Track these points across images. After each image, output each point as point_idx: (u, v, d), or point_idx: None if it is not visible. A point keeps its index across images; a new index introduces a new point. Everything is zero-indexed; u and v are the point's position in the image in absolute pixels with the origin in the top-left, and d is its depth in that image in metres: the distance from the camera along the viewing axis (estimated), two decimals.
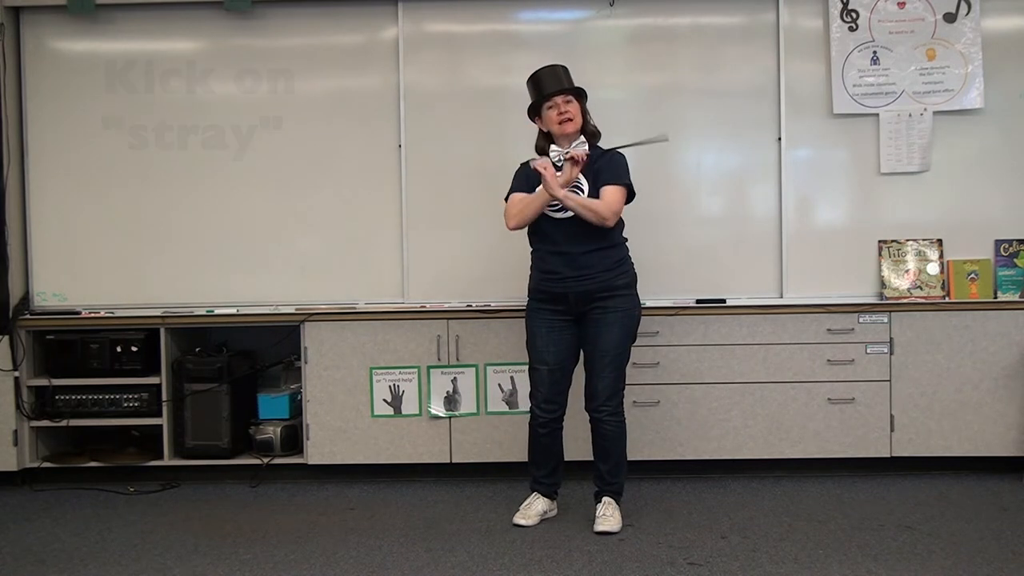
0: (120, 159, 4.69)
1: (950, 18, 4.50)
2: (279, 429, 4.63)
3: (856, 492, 4.25)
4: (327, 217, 4.67)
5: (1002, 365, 4.39)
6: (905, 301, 4.46)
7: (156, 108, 4.68)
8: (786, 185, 4.58)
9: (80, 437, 4.77)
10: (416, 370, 4.51)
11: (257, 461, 4.58)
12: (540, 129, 3.91)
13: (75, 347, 4.58)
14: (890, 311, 4.43)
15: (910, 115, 4.52)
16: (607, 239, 3.79)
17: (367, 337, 4.51)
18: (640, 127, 3.75)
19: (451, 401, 4.51)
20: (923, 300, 4.47)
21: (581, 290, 3.77)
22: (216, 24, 4.66)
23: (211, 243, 4.68)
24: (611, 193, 3.76)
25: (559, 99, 3.80)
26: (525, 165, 3.94)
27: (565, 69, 3.87)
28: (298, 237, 4.69)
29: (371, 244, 4.67)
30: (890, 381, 4.42)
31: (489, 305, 4.53)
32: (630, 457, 3.95)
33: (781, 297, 4.56)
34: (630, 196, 3.83)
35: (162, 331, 4.58)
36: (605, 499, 3.85)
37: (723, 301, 4.50)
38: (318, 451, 4.54)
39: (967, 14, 4.49)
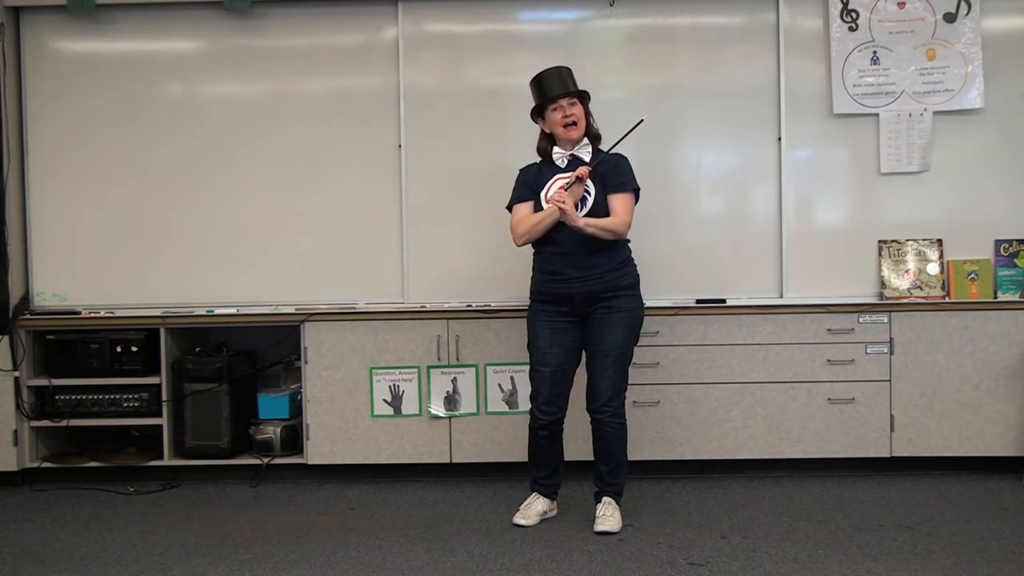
0: (120, 159, 4.69)
1: (950, 18, 4.50)
2: (279, 429, 4.63)
3: (856, 492, 4.25)
4: (327, 217, 4.68)
5: (1002, 365, 4.39)
6: (905, 301, 4.46)
7: (156, 108, 4.68)
8: (786, 185, 4.58)
9: (80, 437, 4.77)
10: (416, 370, 4.51)
11: (257, 461, 4.58)
12: (542, 130, 3.91)
13: (75, 347, 4.58)
14: (890, 311, 4.43)
15: (910, 115, 4.52)
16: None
17: (367, 337, 4.51)
18: (640, 127, 3.74)
19: (451, 401, 4.51)
20: (923, 300, 4.47)
21: (586, 291, 3.77)
22: (216, 24, 4.66)
23: (211, 243, 4.68)
24: (621, 203, 3.77)
25: (564, 102, 3.80)
26: (525, 171, 3.95)
27: (569, 71, 3.88)
28: (298, 237, 4.69)
29: (371, 244, 4.67)
30: (890, 381, 4.42)
31: (489, 305, 4.53)
32: (630, 457, 3.95)
33: (781, 297, 4.56)
34: (638, 197, 3.85)
35: (162, 331, 4.58)
36: (605, 499, 3.85)
37: (723, 301, 4.50)
38: (318, 451, 4.54)
39: (967, 14, 4.49)
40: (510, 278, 4.42)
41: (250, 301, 4.66)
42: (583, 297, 3.78)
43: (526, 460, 4.00)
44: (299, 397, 4.61)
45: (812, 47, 4.57)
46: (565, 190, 3.71)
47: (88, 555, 3.65)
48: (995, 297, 4.48)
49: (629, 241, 3.88)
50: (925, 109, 4.51)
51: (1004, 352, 4.39)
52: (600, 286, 3.77)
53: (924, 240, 4.53)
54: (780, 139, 4.57)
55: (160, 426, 4.58)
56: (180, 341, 4.70)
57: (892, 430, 4.43)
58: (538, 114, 3.89)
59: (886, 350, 4.42)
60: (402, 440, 4.52)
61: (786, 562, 3.43)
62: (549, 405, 3.85)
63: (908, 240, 4.54)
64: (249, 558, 3.57)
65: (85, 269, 4.70)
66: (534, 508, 3.91)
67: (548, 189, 3.83)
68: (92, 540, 3.82)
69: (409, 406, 4.52)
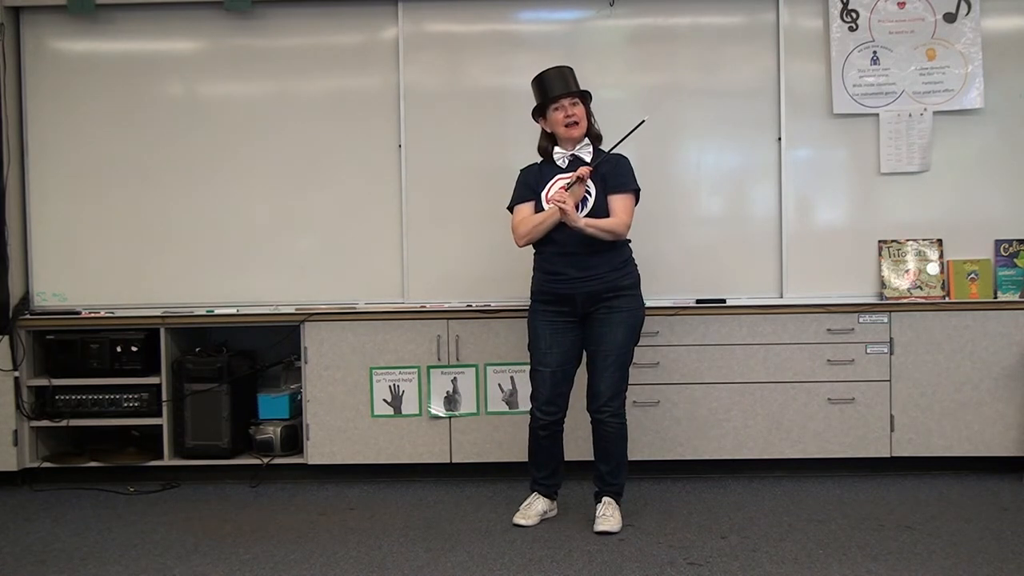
0: (120, 159, 4.69)
1: (950, 18, 4.50)
2: (279, 429, 4.63)
3: (856, 492, 4.25)
4: (327, 217, 4.68)
5: (1002, 365, 4.39)
6: (905, 301, 4.46)
7: (156, 108, 4.68)
8: (786, 185, 4.58)
9: (80, 437, 4.77)
10: (416, 370, 4.51)
11: (257, 461, 4.58)
12: (543, 130, 3.91)
13: (75, 347, 4.58)
14: (890, 311, 4.43)
15: (910, 115, 4.52)
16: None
17: (367, 337, 4.51)
18: (641, 128, 3.74)
19: (451, 401, 4.51)
20: (923, 300, 4.47)
21: (587, 291, 3.77)
22: (216, 24, 4.66)
23: (211, 243, 4.68)
24: (621, 203, 3.78)
25: (565, 101, 3.80)
26: (525, 171, 3.95)
27: (571, 71, 3.87)
28: (298, 237, 4.70)
29: (371, 244, 4.67)
30: (890, 381, 4.42)
31: (489, 305, 4.53)
32: (630, 457, 3.95)
33: (781, 297, 4.56)
34: (638, 197, 3.85)
35: (162, 331, 4.58)
36: (605, 499, 3.85)
37: (723, 301, 4.50)
38: (318, 451, 4.54)
39: (967, 14, 4.49)
40: (510, 278, 4.42)
41: (250, 301, 4.66)
42: (584, 297, 3.78)
43: (526, 460, 4.00)
44: (299, 397, 4.61)
45: (812, 47, 4.57)
46: (566, 190, 3.72)
47: (88, 555, 3.65)
48: (995, 297, 4.48)
49: (630, 241, 3.88)
50: (925, 109, 4.51)
51: (1004, 352, 4.39)
52: (601, 286, 3.77)
53: (924, 240, 4.53)
54: (780, 139, 4.57)
55: (160, 426, 4.58)
56: (180, 341, 4.70)
57: (892, 430, 4.43)
58: (539, 113, 3.89)
59: (886, 350, 4.42)
60: (402, 440, 4.52)
61: (786, 562, 3.43)
62: (549, 405, 3.85)
63: (908, 240, 4.54)
64: (249, 558, 3.57)
65: (85, 269, 4.70)
66: (534, 508, 3.91)
67: (549, 189, 3.83)
68: (92, 540, 3.82)
69: (409, 406, 4.52)
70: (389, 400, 4.52)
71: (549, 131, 3.89)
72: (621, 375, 3.82)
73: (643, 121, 3.74)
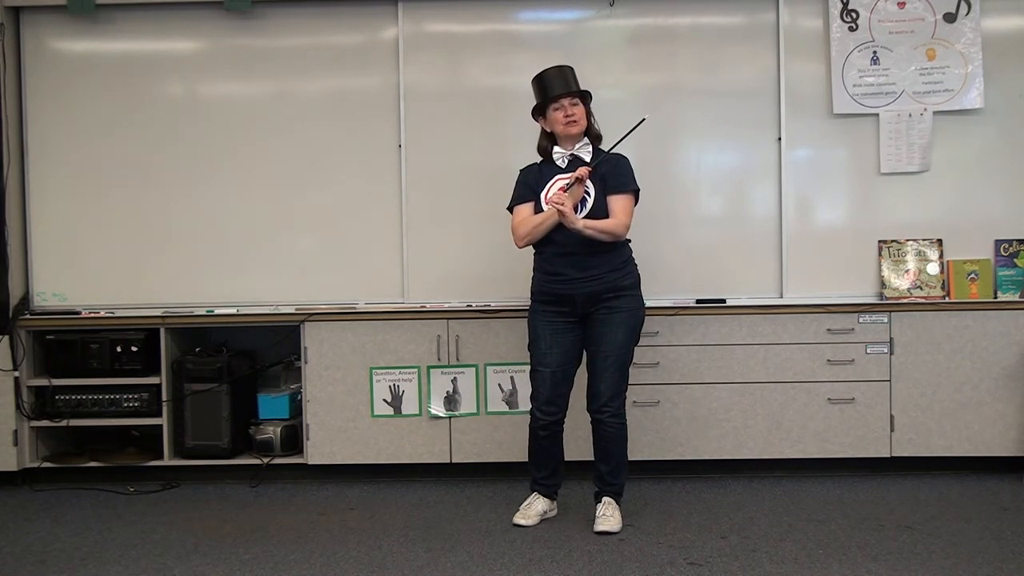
0: (120, 159, 4.69)
1: (950, 18, 4.50)
2: (279, 429, 4.63)
3: (856, 492, 4.25)
4: (327, 217, 4.68)
5: (1002, 365, 4.39)
6: (905, 301, 4.46)
7: (156, 108, 4.68)
8: (786, 185, 4.58)
9: (80, 437, 4.77)
10: (416, 370, 4.51)
11: (257, 461, 4.58)
12: (543, 129, 3.91)
13: (75, 347, 4.58)
14: (890, 311, 4.43)
15: (910, 115, 4.52)
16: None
17: (367, 337, 4.51)
18: (641, 127, 3.74)
19: (451, 401, 4.51)
20: (923, 300, 4.47)
21: (587, 291, 3.77)
22: (216, 24, 4.66)
23: (211, 243, 4.68)
24: (620, 204, 3.77)
25: (566, 101, 3.80)
26: (525, 171, 3.95)
27: (572, 70, 3.87)
28: (298, 237, 4.69)
29: (371, 244, 4.67)
30: (890, 381, 4.42)
31: (489, 305, 4.53)
32: (630, 457, 3.95)
33: (781, 297, 4.56)
34: (638, 197, 3.85)
35: (162, 331, 4.58)
36: (605, 499, 3.85)
37: (723, 301, 4.50)
38: (318, 451, 4.54)
39: (967, 14, 4.49)
40: (510, 278, 4.42)
41: (250, 301, 4.66)
42: (584, 297, 3.78)
43: (526, 460, 4.00)
44: (299, 397, 4.61)
45: (812, 47, 4.57)
46: (565, 191, 3.71)
47: (88, 555, 3.65)
48: (995, 297, 4.48)
49: (630, 241, 3.88)
50: (925, 109, 4.51)
51: (1004, 352, 4.39)
52: (601, 287, 3.77)
53: (924, 240, 4.53)
54: (780, 139, 4.57)
55: (160, 426, 4.58)
56: (180, 341, 4.70)
57: (892, 430, 4.43)
58: (539, 112, 3.89)
59: (886, 350, 4.42)
60: (402, 440, 4.52)
61: (786, 562, 3.43)
62: (549, 405, 3.85)
63: (908, 240, 4.54)
64: (249, 558, 3.57)
65: (85, 269, 4.70)
66: (534, 508, 3.91)
67: (548, 190, 3.83)
68: (92, 540, 3.82)
69: (409, 406, 4.52)
70: (389, 400, 4.52)
71: (549, 130, 3.89)
72: (621, 375, 3.82)
73: (643, 120, 3.74)
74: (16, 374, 4.54)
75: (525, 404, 4.18)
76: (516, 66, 4.48)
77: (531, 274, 3.95)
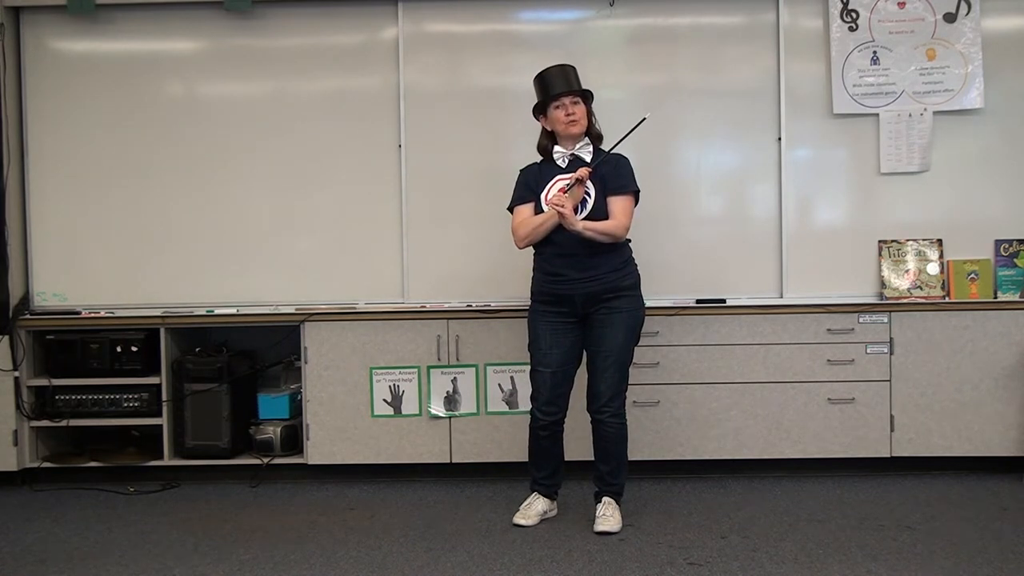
0: (120, 159, 4.69)
1: (950, 18, 4.50)
2: (279, 429, 4.63)
3: (856, 492, 4.25)
4: (327, 217, 4.68)
5: (1002, 365, 4.39)
6: (905, 301, 4.46)
7: (156, 108, 4.68)
8: (786, 185, 4.58)
9: (80, 437, 4.77)
10: (416, 370, 4.51)
11: (257, 461, 4.58)
12: (544, 128, 3.91)
13: (75, 347, 4.58)
14: (890, 311, 4.43)
15: (910, 115, 4.52)
16: None
17: (367, 337, 4.51)
18: (641, 126, 3.74)
19: (451, 401, 4.51)
20: (923, 300, 4.47)
21: (588, 291, 3.77)
22: (216, 24, 4.66)
23: (211, 243, 4.68)
24: (620, 205, 3.77)
25: (567, 100, 3.80)
26: (525, 171, 3.95)
27: (574, 69, 3.87)
28: (298, 237, 4.69)
29: (371, 244, 4.67)
30: (890, 381, 4.42)
31: (489, 305, 4.53)
32: (630, 457, 3.95)
33: (781, 297, 4.56)
34: (637, 198, 3.84)
35: (162, 331, 4.58)
36: (605, 499, 3.85)
37: (723, 301, 4.50)
38: (318, 451, 4.54)
39: (967, 14, 4.49)
40: (510, 278, 4.42)
41: (250, 301, 4.66)
42: (584, 298, 3.78)
43: (526, 460, 4.00)
44: (299, 397, 4.61)
45: (812, 47, 4.57)
46: (564, 192, 3.71)
47: (88, 555, 3.65)
48: (995, 297, 4.48)
49: (630, 241, 3.88)
50: (925, 109, 4.51)
51: (1004, 352, 4.39)
52: (601, 287, 3.77)
53: (924, 240, 4.53)
54: (780, 139, 4.57)
55: (160, 426, 4.58)
56: (180, 341, 4.70)
57: (892, 430, 4.43)
58: (540, 111, 3.89)
59: (886, 350, 4.42)
60: (402, 440, 4.52)
61: (786, 562, 3.43)
62: (549, 405, 3.85)
63: (908, 240, 4.54)
64: (249, 558, 3.57)
65: (85, 269, 4.70)
66: (534, 508, 3.91)
67: (548, 190, 3.83)
68: (92, 540, 3.82)
69: (409, 406, 4.52)
70: (389, 400, 4.52)
71: (550, 129, 3.89)
72: (621, 375, 3.82)
73: (644, 119, 3.74)
74: (16, 374, 4.54)
75: (525, 404, 4.18)
76: (516, 66, 4.48)
77: (531, 274, 3.95)
